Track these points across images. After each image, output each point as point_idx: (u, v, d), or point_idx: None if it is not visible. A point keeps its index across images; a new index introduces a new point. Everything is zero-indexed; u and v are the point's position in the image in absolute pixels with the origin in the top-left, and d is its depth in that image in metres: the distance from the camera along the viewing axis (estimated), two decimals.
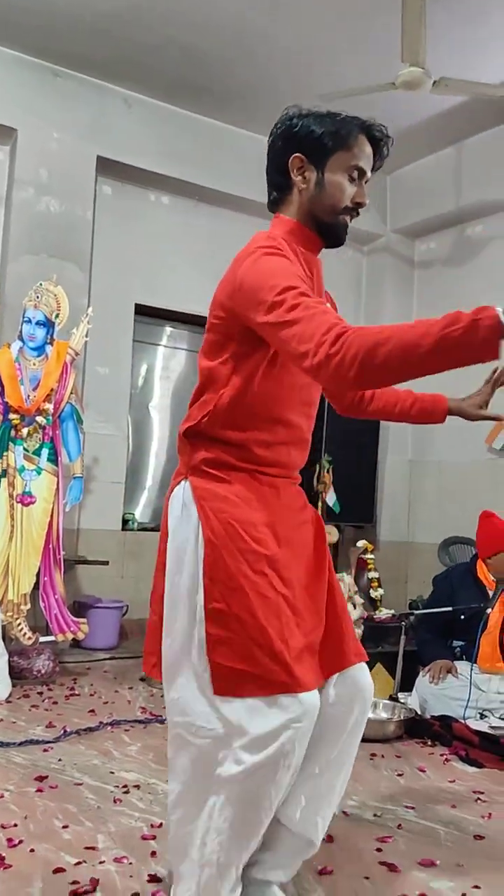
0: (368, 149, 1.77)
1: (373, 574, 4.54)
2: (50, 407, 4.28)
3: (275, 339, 1.57)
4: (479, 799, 2.78)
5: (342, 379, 1.45)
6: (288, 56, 4.90)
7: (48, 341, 4.37)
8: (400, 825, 2.49)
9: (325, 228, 1.80)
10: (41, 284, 4.43)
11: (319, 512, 5.28)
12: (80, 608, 4.81)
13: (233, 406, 1.72)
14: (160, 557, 1.79)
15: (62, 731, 3.25)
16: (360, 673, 1.80)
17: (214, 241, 5.65)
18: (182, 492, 1.75)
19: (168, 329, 6.16)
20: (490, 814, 2.63)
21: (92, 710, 3.62)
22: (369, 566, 4.55)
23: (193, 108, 5.62)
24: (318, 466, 5.32)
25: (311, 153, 1.75)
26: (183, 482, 1.76)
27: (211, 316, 1.76)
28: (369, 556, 4.59)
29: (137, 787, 2.68)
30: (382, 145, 1.79)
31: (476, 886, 2.07)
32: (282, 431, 1.77)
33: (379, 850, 2.28)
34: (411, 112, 5.36)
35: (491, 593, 3.77)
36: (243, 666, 1.58)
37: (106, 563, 5.11)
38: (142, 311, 5.73)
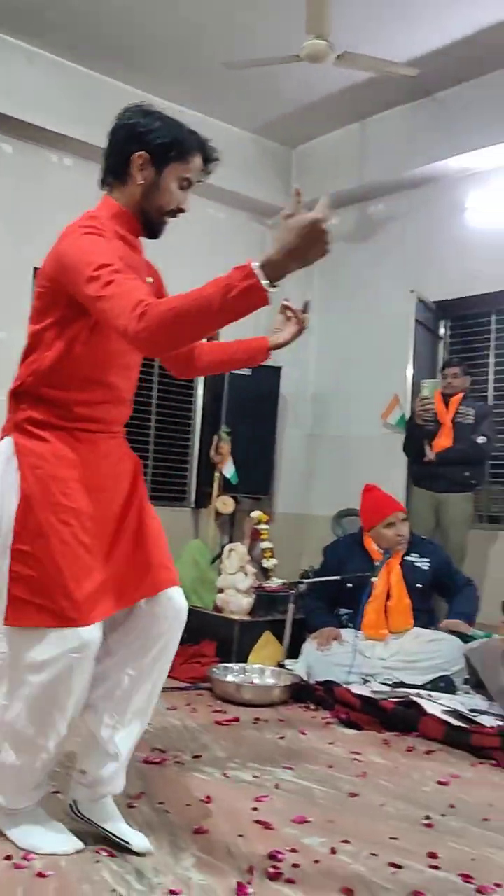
0: (200, 164, 2.01)
1: (266, 544, 4.61)
2: None
3: (93, 311, 1.78)
4: (355, 759, 2.88)
5: (154, 347, 1.72)
6: (194, 20, 4.83)
7: None
8: (277, 785, 2.57)
9: (149, 223, 2.02)
10: None
11: (216, 482, 5.34)
12: None
13: (54, 368, 1.92)
14: None
15: None
16: (175, 593, 2.02)
17: None
18: (5, 447, 1.94)
19: None
20: (364, 773, 2.73)
21: None
22: (262, 536, 4.61)
23: (99, 69, 5.48)
24: (215, 437, 5.34)
25: (155, 156, 1.95)
26: (7, 438, 1.96)
27: (37, 285, 1.95)
28: (263, 526, 4.65)
29: None
30: (212, 167, 2.04)
31: (345, 841, 2.15)
32: (101, 392, 1.98)
33: (255, 808, 2.35)
34: (318, 85, 5.36)
35: (377, 563, 3.88)
36: (38, 600, 1.82)
37: None
38: None
